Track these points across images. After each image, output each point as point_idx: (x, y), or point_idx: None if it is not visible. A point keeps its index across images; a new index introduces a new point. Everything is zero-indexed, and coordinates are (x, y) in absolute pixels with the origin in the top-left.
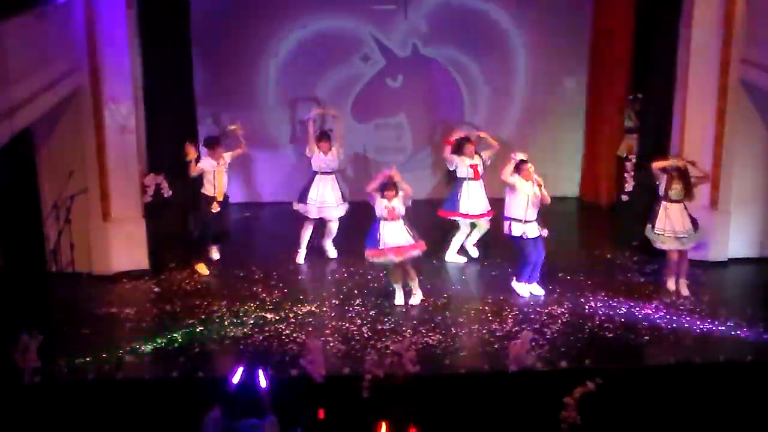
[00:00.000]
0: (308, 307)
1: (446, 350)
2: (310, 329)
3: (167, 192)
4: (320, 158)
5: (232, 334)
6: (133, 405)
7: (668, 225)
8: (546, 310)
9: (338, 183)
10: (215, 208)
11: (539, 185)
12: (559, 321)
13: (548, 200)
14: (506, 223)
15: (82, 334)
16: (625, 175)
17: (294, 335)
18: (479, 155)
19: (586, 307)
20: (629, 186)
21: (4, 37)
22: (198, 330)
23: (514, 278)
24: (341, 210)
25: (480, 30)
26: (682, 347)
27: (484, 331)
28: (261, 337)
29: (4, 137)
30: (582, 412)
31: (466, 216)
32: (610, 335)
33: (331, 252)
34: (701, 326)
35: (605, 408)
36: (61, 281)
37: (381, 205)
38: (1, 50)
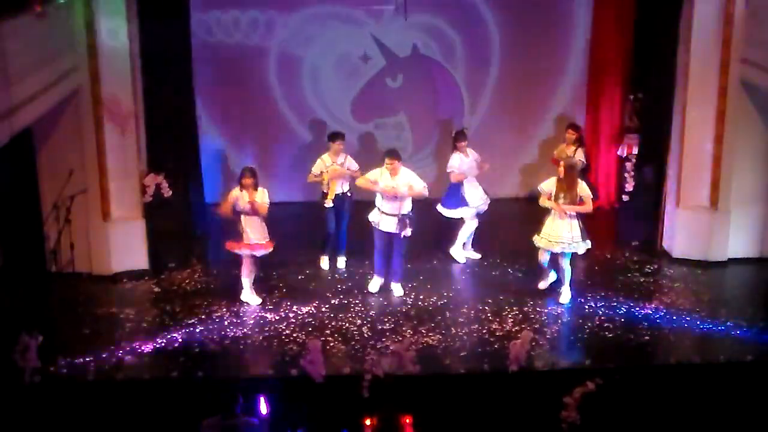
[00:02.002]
0: (308, 307)
1: (446, 350)
2: (310, 329)
3: (167, 192)
4: (465, 161)
5: (232, 334)
6: (133, 405)
7: (553, 229)
8: (546, 310)
9: None
10: (328, 203)
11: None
12: (559, 321)
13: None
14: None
15: (82, 334)
16: (625, 175)
17: (294, 335)
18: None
19: (586, 307)
20: (629, 186)
21: (4, 37)
22: (198, 330)
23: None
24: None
25: (479, 30)
26: (682, 347)
27: (484, 331)
28: (261, 337)
29: (4, 137)
30: (582, 412)
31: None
32: (610, 335)
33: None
34: (701, 326)
35: (605, 408)
36: (61, 281)
37: (244, 199)
38: (1, 50)
